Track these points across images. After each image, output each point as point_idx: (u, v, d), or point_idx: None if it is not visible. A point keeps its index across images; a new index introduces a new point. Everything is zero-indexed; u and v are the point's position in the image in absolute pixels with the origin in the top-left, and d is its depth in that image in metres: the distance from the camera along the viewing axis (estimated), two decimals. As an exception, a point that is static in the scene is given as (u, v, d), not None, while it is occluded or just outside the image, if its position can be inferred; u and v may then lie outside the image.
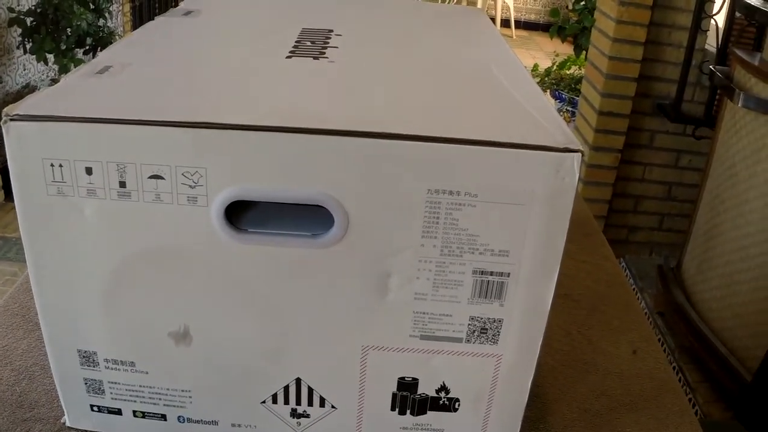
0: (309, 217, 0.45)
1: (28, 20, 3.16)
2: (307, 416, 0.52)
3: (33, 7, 3.19)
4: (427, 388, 0.50)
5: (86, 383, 0.51)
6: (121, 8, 4.30)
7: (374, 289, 0.46)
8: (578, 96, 3.02)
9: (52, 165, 0.43)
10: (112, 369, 0.50)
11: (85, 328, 0.49)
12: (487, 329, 0.48)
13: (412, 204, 0.43)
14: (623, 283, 0.88)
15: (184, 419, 0.52)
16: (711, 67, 2.02)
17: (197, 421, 0.52)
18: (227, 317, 0.48)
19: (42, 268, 0.47)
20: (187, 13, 0.71)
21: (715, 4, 2.22)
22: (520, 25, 7.17)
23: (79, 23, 3.14)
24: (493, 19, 6.63)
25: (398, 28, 0.74)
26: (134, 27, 4.33)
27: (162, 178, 0.43)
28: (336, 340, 0.48)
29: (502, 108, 0.49)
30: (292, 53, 0.57)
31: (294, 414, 0.52)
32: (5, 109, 0.43)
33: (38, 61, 3.23)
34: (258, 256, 0.45)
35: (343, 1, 0.86)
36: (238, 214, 0.45)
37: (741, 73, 1.80)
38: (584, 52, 4.08)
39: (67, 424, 0.53)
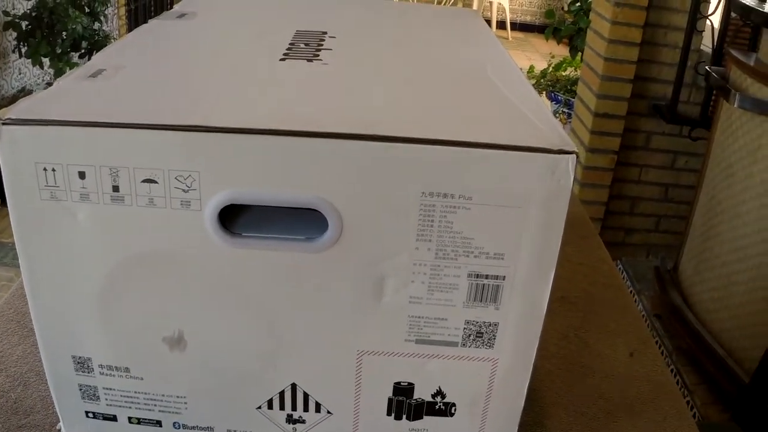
0: (303, 221, 0.45)
1: (24, 24, 3.16)
2: (303, 422, 0.51)
3: (28, 11, 3.19)
4: (423, 393, 0.50)
5: (81, 389, 0.51)
6: (116, 12, 4.30)
7: (369, 293, 0.46)
8: (574, 98, 3.02)
9: (44, 169, 0.43)
10: (106, 375, 0.50)
11: (79, 334, 0.49)
12: (482, 333, 0.48)
13: (406, 207, 0.43)
14: (620, 285, 0.88)
15: (179, 425, 0.52)
16: (707, 67, 2.03)
17: (193, 427, 0.52)
18: (222, 322, 0.48)
19: (36, 272, 0.46)
20: (181, 15, 0.71)
21: (710, 5, 2.22)
22: (516, 26, 7.18)
23: (74, 27, 3.14)
24: (488, 21, 6.64)
25: (392, 29, 0.74)
26: (130, 30, 4.32)
27: (155, 182, 0.43)
28: (331, 344, 0.48)
29: (497, 110, 0.49)
30: (286, 55, 0.57)
31: (290, 419, 0.51)
32: (-3, 113, 0.42)
33: (34, 65, 3.23)
34: (252, 260, 0.45)
35: (336, 3, 0.86)
36: (232, 218, 0.45)
37: (737, 74, 1.80)
38: (580, 53, 4.09)
39: (63, 430, 0.53)
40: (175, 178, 0.43)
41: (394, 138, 0.42)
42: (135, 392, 0.50)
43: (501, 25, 6.98)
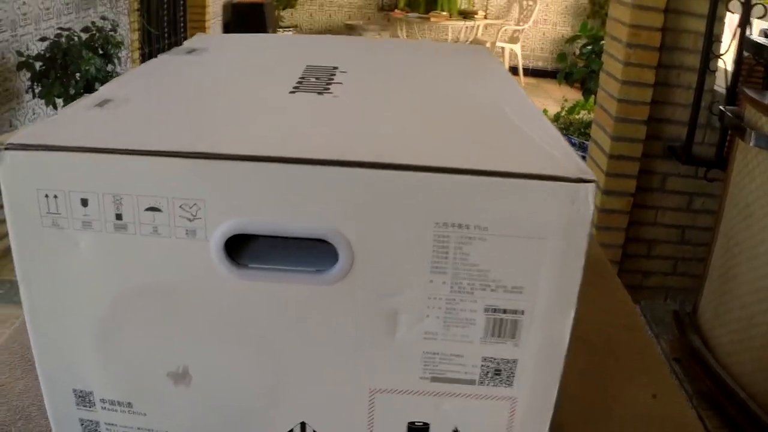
0: (313, 253, 0.43)
1: (38, 65, 3.19)
2: (312, 463, 0.49)
3: (42, 52, 3.23)
4: (438, 434, 0.48)
5: (82, 424, 0.49)
6: (130, 54, 4.35)
7: (381, 328, 0.44)
8: (588, 140, 3.01)
9: (46, 196, 0.41)
10: (108, 410, 0.48)
11: (80, 367, 0.47)
12: (501, 371, 0.45)
13: (419, 238, 0.41)
14: (640, 327, 0.85)
15: (182, 466, 0.50)
16: (720, 107, 2.01)
17: (196, 468, 0.50)
18: (228, 357, 0.46)
19: (36, 302, 0.45)
20: (191, 51, 0.70)
21: (723, 45, 2.21)
22: (528, 72, 7.22)
23: (87, 68, 3.17)
24: (501, 66, 6.66)
25: (404, 64, 0.73)
26: (145, 75, 4.37)
27: (159, 210, 0.42)
28: (342, 381, 0.46)
29: (512, 140, 0.47)
30: (296, 88, 0.56)
31: (298, 461, 0.49)
32: (0, 138, 0.41)
33: (47, 105, 3.26)
34: (259, 292, 0.43)
35: (348, 41, 0.85)
36: (239, 248, 0.43)
37: (751, 113, 1.79)
38: (593, 96, 4.09)
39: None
40: (180, 206, 0.41)
41: (407, 166, 0.40)
42: (137, 428, 0.48)
43: (513, 70, 7.02)
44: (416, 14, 7.13)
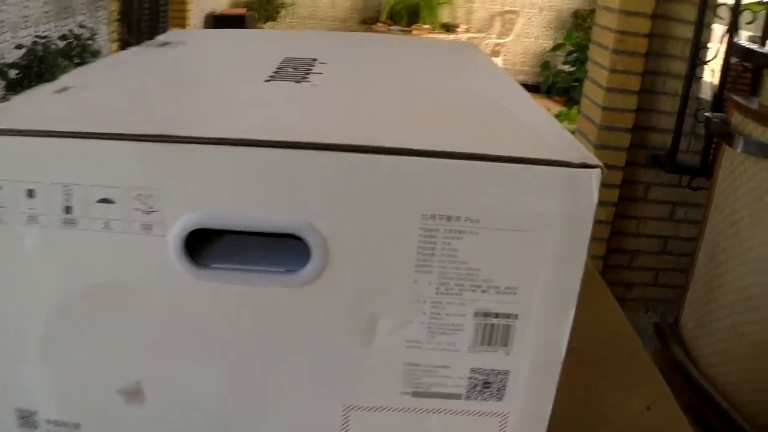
0: (283, 251, 0.39)
1: (13, 72, 3.12)
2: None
3: (18, 60, 3.15)
4: (421, 453, 0.43)
5: (25, 448, 0.44)
6: (108, 62, 4.27)
7: (358, 336, 0.39)
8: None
9: (-14, 186, 0.37)
10: None
11: (24, 383, 0.42)
12: (490, 383, 0.41)
13: (403, 232, 0.37)
14: (631, 334, 0.81)
15: (138, 490, 0.45)
16: (707, 114, 1.99)
17: (154, 492, 0.45)
18: (187, 370, 0.41)
19: (-27, 310, 0.40)
20: (164, 44, 0.66)
21: (710, 51, 2.19)
22: (510, 83, 7.18)
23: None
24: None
25: (389, 56, 0.69)
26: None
27: (112, 202, 0.37)
28: (313, 397, 0.41)
29: (506, 125, 0.43)
30: (272, 78, 0.51)
31: (267, 483, 0.44)
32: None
33: (22, 113, 3.18)
34: (223, 295, 0.39)
35: (329, 35, 0.81)
36: (201, 246, 0.39)
37: (739, 119, 1.76)
38: (576, 105, 4.07)
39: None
40: (135, 197, 0.37)
41: (390, 150, 0.36)
42: (87, 452, 0.43)
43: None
44: (398, 27, 7.10)
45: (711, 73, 2.21)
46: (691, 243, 2.26)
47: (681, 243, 2.52)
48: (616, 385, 0.69)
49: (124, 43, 4.36)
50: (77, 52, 3.37)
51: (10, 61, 3.18)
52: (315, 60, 0.59)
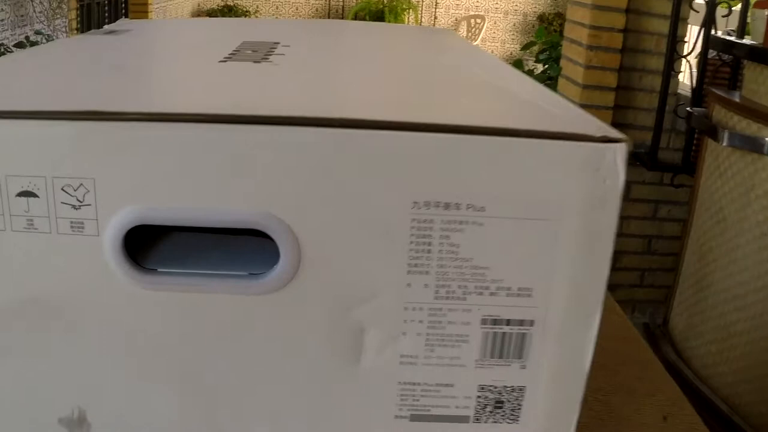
0: (244, 251, 0.32)
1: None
2: None
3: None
4: (421, 489, 0.36)
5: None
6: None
7: (342, 352, 0.32)
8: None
9: None
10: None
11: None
12: (503, 402, 0.34)
13: (390, 224, 0.30)
14: (637, 338, 0.75)
15: None
16: (687, 108, 1.94)
17: None
18: (137, 395, 0.33)
19: None
20: (110, 32, 0.59)
21: (686, 45, 2.15)
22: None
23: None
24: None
25: (360, 39, 0.62)
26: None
27: (35, 195, 0.30)
28: (289, 427, 0.34)
29: (505, 99, 0.37)
30: (228, 59, 0.44)
31: None
32: None
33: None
34: (173, 306, 0.31)
35: (291, 22, 0.74)
36: (144, 247, 0.32)
37: (721, 113, 1.71)
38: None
39: None
40: (62, 188, 0.30)
41: (372, 123, 0.29)
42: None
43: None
44: (364, 31, 7.05)
45: (687, 68, 2.17)
46: (675, 242, 2.21)
47: (665, 242, 2.48)
48: (630, 395, 0.63)
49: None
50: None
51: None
52: (277, 44, 0.52)
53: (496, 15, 7.27)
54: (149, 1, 5.25)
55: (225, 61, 0.43)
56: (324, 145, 0.29)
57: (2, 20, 3.60)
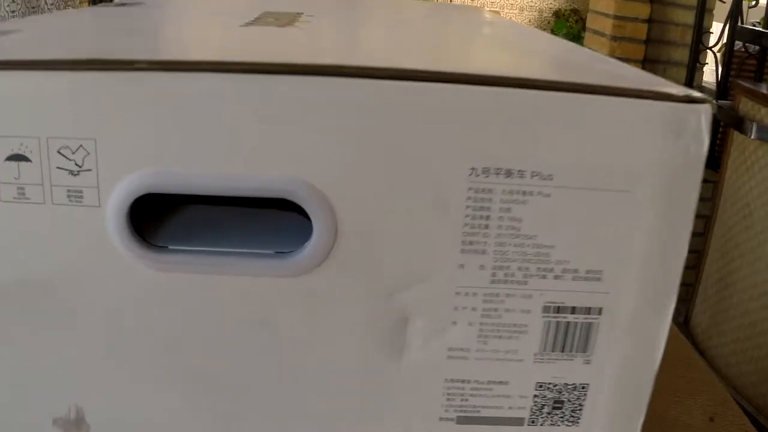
0: (270, 228, 0.28)
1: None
2: None
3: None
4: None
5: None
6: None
7: (382, 345, 0.28)
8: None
9: None
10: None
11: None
12: (563, 402, 0.30)
13: (444, 194, 0.26)
14: (677, 335, 0.70)
15: None
16: (713, 101, 1.89)
17: None
18: (143, 394, 0.29)
19: None
20: (122, 4, 0.55)
21: (712, 37, 2.10)
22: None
23: None
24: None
25: (395, 10, 0.58)
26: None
27: (27, 159, 0.26)
28: (320, 429, 0.30)
29: (562, 59, 0.32)
30: (249, 24, 0.40)
31: None
32: None
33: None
34: (186, 290, 0.27)
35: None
36: (153, 221, 0.27)
37: (748, 105, 1.66)
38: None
39: None
40: (59, 151, 0.25)
41: (426, 74, 0.25)
42: None
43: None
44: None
45: (712, 61, 2.12)
46: (698, 238, 2.15)
47: (687, 239, 2.42)
48: (674, 395, 0.58)
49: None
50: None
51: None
52: (300, 13, 0.48)
53: (511, 11, 7.21)
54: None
55: (247, 26, 0.39)
56: (368, 99, 0.24)
57: (14, 11, 3.59)
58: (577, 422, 0.30)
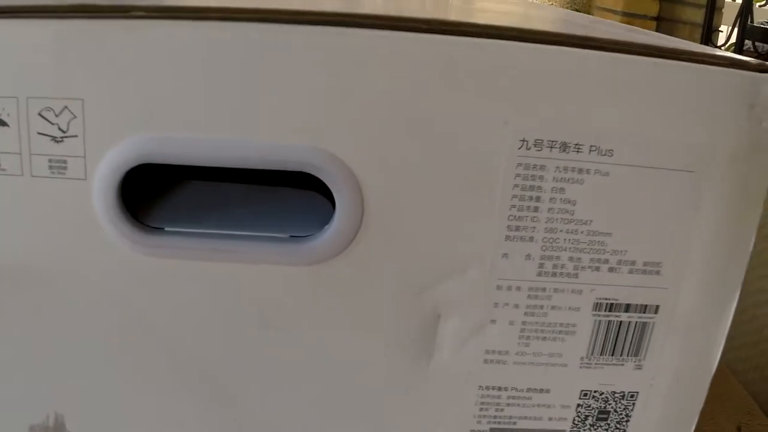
0: (284, 209, 0.24)
1: None
2: None
3: None
4: None
5: None
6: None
7: (410, 346, 0.25)
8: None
9: None
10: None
11: None
12: (608, 413, 0.26)
13: (488, 171, 0.22)
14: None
15: None
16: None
17: None
18: (133, 400, 0.26)
19: None
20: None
21: (720, 36, 2.07)
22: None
23: None
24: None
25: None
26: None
27: (3, 123, 0.22)
28: (336, 439, 0.26)
29: (611, 28, 0.29)
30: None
31: None
32: None
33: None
34: (185, 279, 0.23)
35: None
36: (148, 199, 0.24)
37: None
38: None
39: None
40: (40, 114, 0.22)
41: (467, 29, 0.21)
42: None
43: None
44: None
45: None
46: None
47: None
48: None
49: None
50: None
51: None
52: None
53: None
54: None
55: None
56: (401, 57, 0.21)
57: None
58: (624, 436, 0.27)
